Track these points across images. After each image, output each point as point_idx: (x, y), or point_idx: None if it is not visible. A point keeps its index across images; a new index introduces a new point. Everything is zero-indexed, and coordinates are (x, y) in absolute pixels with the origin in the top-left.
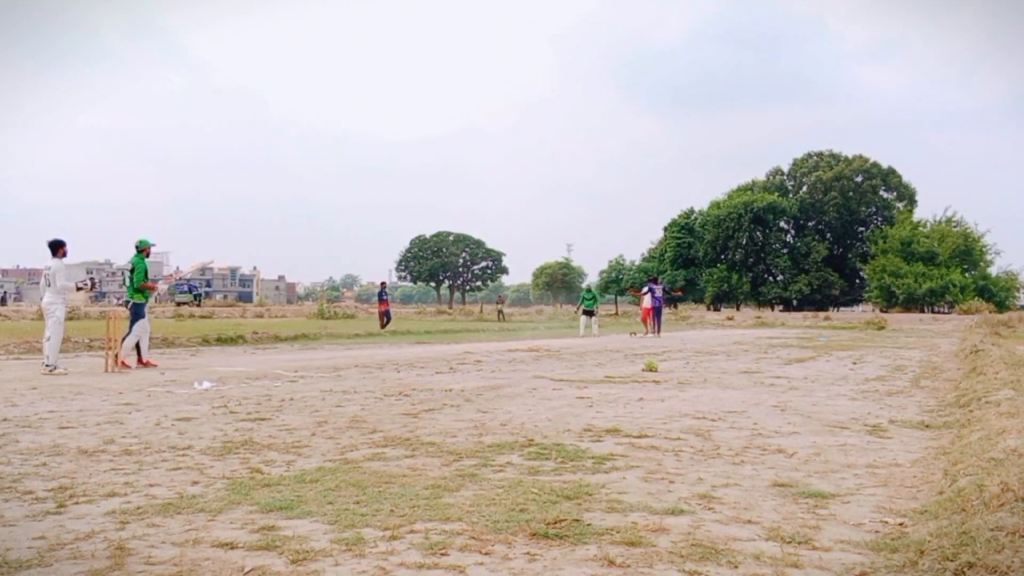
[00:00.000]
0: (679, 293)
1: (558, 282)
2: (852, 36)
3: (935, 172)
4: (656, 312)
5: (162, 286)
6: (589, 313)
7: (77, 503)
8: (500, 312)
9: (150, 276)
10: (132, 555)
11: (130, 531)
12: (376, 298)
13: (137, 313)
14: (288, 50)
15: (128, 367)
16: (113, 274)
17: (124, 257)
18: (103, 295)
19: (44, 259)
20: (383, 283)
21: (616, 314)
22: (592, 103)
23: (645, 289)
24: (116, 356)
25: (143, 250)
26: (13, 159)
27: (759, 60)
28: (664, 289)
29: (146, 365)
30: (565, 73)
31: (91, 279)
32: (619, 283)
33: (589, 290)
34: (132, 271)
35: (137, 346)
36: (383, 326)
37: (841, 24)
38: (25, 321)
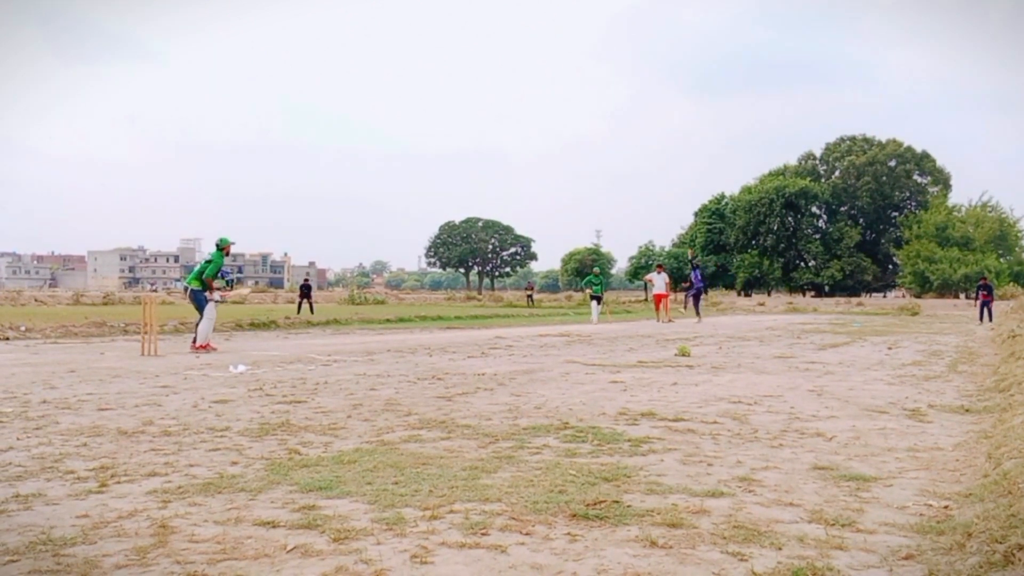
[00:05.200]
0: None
1: (587, 268)
2: (886, 19)
3: (970, 156)
4: (696, 297)
5: (217, 296)
6: (598, 299)
7: (119, 482)
8: (530, 298)
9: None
10: (175, 533)
11: (172, 510)
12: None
13: (197, 299)
14: (321, 39)
15: (215, 348)
16: (146, 260)
17: (156, 243)
18: (137, 281)
19: (77, 246)
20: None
21: (646, 300)
22: (623, 86)
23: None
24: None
25: (224, 248)
26: (47, 147)
27: (791, 44)
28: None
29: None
30: (597, 57)
31: None
32: (649, 269)
33: (597, 275)
34: (208, 263)
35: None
36: None
37: (875, 7)
38: (60, 307)
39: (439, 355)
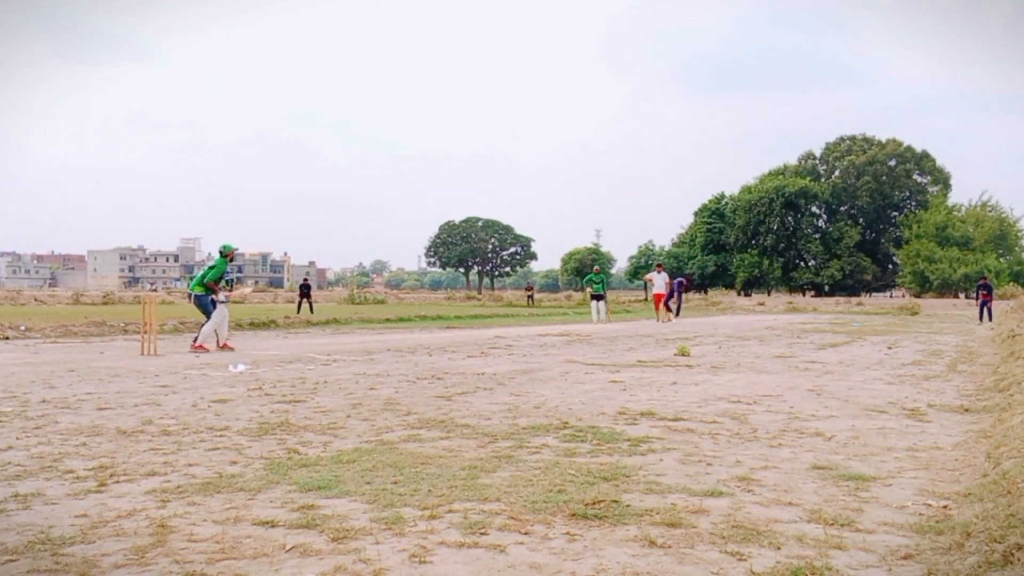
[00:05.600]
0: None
1: (587, 268)
2: (886, 19)
3: (970, 156)
4: (667, 297)
5: (222, 297)
6: (598, 298)
7: (118, 482)
8: (530, 298)
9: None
10: (174, 532)
11: (171, 509)
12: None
13: (202, 303)
14: (323, 41)
15: (206, 350)
16: (146, 259)
17: (156, 243)
18: (137, 280)
19: (77, 245)
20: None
21: (646, 299)
22: (623, 87)
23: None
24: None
25: (227, 254)
26: (47, 147)
27: (791, 44)
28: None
29: (224, 348)
30: (597, 57)
31: None
32: (649, 268)
33: (598, 272)
34: (211, 268)
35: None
36: None
37: (875, 7)
38: (60, 306)
39: (439, 355)
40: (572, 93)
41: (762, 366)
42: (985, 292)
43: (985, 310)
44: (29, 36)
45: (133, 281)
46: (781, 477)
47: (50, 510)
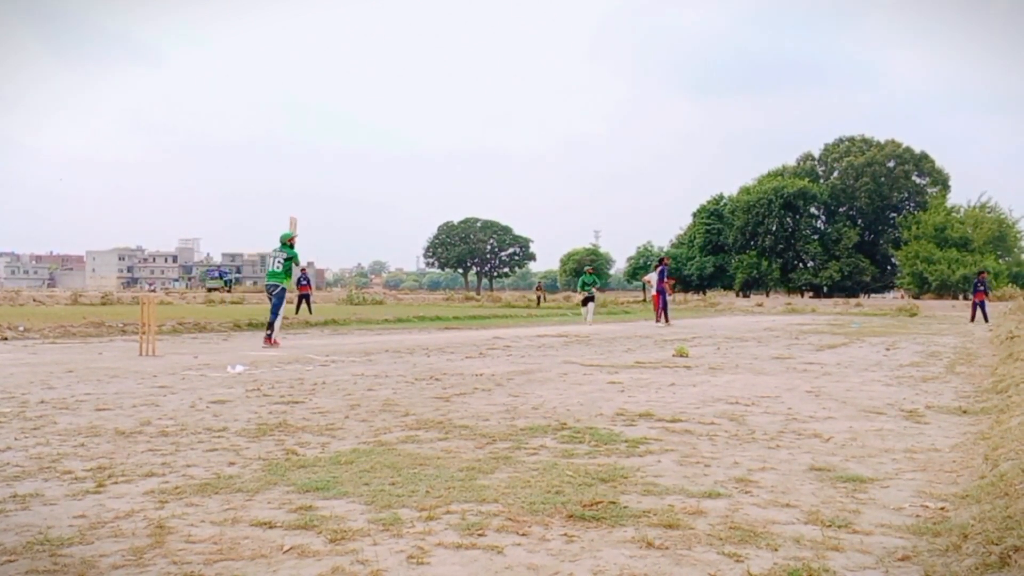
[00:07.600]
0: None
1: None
2: (886, 19)
3: (970, 156)
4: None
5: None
6: (590, 299)
7: (116, 483)
8: (539, 298)
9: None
10: (172, 533)
11: (169, 510)
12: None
13: (283, 298)
14: (320, 38)
15: (278, 344)
16: (145, 260)
17: (155, 243)
18: (135, 280)
19: (75, 246)
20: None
21: (644, 300)
22: (621, 86)
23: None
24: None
25: (290, 240)
26: (46, 147)
27: (790, 44)
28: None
29: (274, 344)
30: (595, 56)
31: None
32: (647, 269)
33: (588, 274)
34: (288, 259)
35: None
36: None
37: (876, 6)
38: (59, 307)
39: (437, 355)
40: (571, 94)
41: (760, 367)
42: (981, 290)
43: (979, 310)
44: (29, 36)
45: (132, 282)
46: (779, 478)
47: (48, 511)
